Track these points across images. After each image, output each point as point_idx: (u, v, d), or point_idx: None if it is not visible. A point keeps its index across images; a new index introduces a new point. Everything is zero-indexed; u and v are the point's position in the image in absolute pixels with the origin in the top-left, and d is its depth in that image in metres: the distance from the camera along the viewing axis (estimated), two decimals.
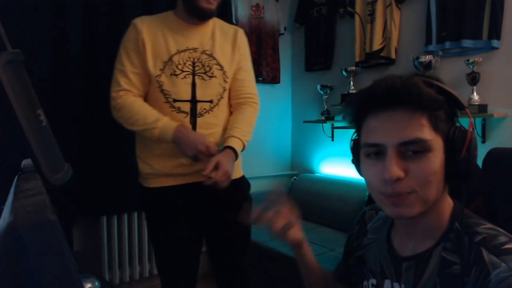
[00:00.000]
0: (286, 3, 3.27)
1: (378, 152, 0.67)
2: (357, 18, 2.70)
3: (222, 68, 1.52)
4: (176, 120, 1.45)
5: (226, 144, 1.49)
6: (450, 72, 2.31)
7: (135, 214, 2.46)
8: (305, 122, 3.07)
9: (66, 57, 2.18)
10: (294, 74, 3.38)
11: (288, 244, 0.87)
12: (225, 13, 2.78)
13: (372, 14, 2.62)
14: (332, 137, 3.02)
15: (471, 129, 0.66)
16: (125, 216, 2.42)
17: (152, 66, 1.46)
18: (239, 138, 1.51)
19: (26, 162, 0.53)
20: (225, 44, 1.56)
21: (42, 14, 2.07)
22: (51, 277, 0.34)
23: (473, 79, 2.10)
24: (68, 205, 2.17)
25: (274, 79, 3.16)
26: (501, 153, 1.10)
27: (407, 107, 0.65)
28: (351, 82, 2.73)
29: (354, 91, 2.73)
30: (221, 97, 1.53)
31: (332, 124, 2.96)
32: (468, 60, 2.11)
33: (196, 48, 1.50)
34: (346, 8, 2.83)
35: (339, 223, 2.62)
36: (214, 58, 1.51)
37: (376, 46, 2.58)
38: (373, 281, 0.79)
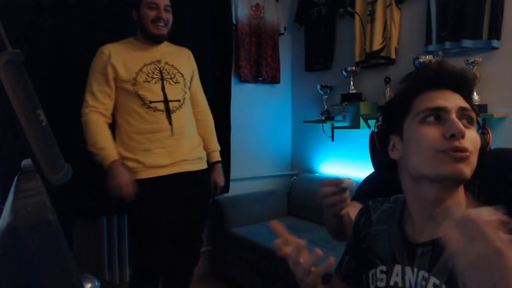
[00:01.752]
0: (286, 3, 3.26)
1: (436, 118, 0.72)
2: (357, 18, 2.70)
3: (183, 76, 1.93)
4: (154, 118, 1.82)
5: (213, 160, 2.08)
6: None
7: None
8: (305, 122, 3.07)
9: (66, 57, 2.18)
10: (294, 74, 3.38)
11: (308, 282, 0.78)
12: (225, 13, 2.78)
13: (372, 14, 2.62)
14: (332, 137, 3.02)
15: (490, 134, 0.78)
16: (125, 216, 2.42)
17: (126, 80, 1.81)
18: (217, 150, 2.12)
19: (26, 162, 0.53)
20: (182, 59, 1.99)
21: (42, 14, 2.07)
22: (51, 277, 0.34)
23: (473, 79, 2.10)
24: (68, 205, 2.16)
25: (274, 79, 3.16)
26: (503, 153, 1.10)
27: (455, 89, 0.74)
28: (351, 82, 2.73)
29: (354, 91, 2.73)
30: (185, 98, 1.94)
31: (332, 124, 2.96)
32: (468, 60, 2.11)
33: (160, 60, 1.89)
34: (346, 8, 2.83)
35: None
36: (176, 68, 1.91)
37: (376, 46, 2.58)
38: (382, 267, 0.80)
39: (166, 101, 1.85)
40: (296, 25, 3.22)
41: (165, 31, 1.86)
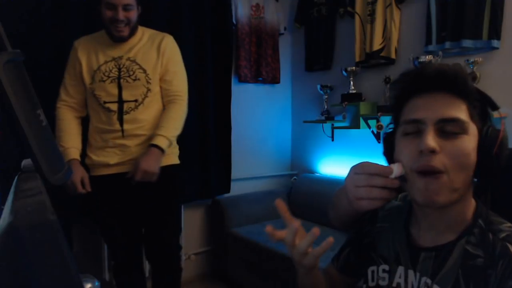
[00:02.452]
0: (286, 3, 3.26)
1: (416, 131, 0.69)
2: (357, 18, 2.70)
3: (145, 71, 1.80)
4: (107, 118, 1.78)
5: (150, 143, 1.78)
6: None
7: None
8: (305, 122, 3.07)
9: (66, 57, 2.18)
10: (294, 74, 3.38)
11: (305, 264, 0.81)
12: (225, 13, 2.78)
13: (372, 14, 2.62)
14: (332, 137, 3.02)
15: (503, 128, 0.68)
16: None
17: (86, 77, 1.78)
18: (163, 135, 1.79)
19: (26, 162, 0.53)
20: (150, 50, 1.83)
21: (42, 14, 2.07)
22: (51, 277, 0.34)
23: (473, 79, 2.10)
24: (68, 205, 2.16)
25: (274, 79, 3.16)
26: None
27: (450, 91, 0.69)
28: (351, 82, 2.73)
29: (354, 91, 2.73)
30: (146, 96, 1.80)
31: (332, 124, 2.96)
32: (468, 60, 2.11)
33: (121, 56, 1.79)
34: (346, 8, 2.83)
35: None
36: (137, 63, 1.79)
37: (376, 46, 2.58)
38: (384, 266, 0.79)
39: (120, 101, 1.78)
40: (296, 25, 3.22)
41: (126, 31, 1.76)
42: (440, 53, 2.27)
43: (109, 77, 1.77)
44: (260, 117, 3.19)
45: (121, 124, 1.78)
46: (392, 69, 2.60)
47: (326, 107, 2.91)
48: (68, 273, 0.35)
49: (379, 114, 2.49)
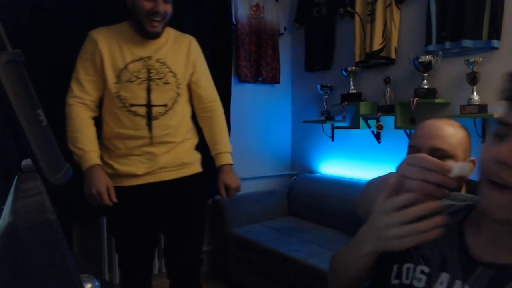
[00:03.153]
0: (286, 3, 3.26)
1: (505, 134, 0.61)
2: (357, 18, 2.70)
3: (175, 75, 1.67)
4: (131, 123, 1.61)
5: (221, 163, 1.76)
6: (450, 72, 2.31)
7: None
8: (305, 122, 3.07)
9: (66, 57, 2.18)
10: (294, 74, 3.38)
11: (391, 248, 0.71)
12: (225, 13, 2.78)
13: (372, 14, 2.62)
14: (332, 137, 3.02)
15: None
16: None
17: (110, 74, 1.59)
18: (227, 152, 1.78)
19: (26, 162, 0.53)
20: (179, 53, 1.71)
21: (42, 14, 2.07)
22: (51, 277, 0.34)
23: (473, 79, 2.10)
24: (68, 205, 2.16)
25: (274, 79, 3.16)
26: None
27: None
28: (351, 82, 2.74)
29: (354, 91, 2.73)
30: (176, 102, 1.67)
31: (332, 124, 2.96)
32: (468, 60, 2.11)
33: (150, 57, 1.63)
34: (346, 8, 2.83)
35: (339, 223, 2.62)
36: (167, 66, 1.65)
37: (376, 46, 2.58)
38: (424, 268, 0.71)
39: (149, 105, 1.62)
40: (296, 25, 3.22)
41: (160, 27, 1.60)
42: (440, 53, 2.27)
43: (138, 78, 1.60)
44: (260, 117, 3.19)
45: (150, 130, 1.62)
46: (392, 69, 2.60)
47: (326, 107, 2.91)
48: (68, 273, 0.35)
49: (379, 114, 2.49)
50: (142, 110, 1.61)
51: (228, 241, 2.72)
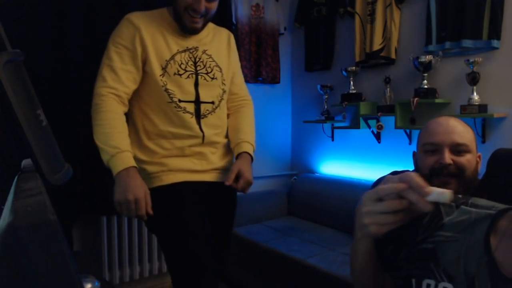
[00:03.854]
0: (286, 3, 3.27)
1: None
2: (357, 18, 2.70)
3: (221, 70, 1.52)
4: (181, 120, 1.42)
5: (242, 150, 1.53)
6: (450, 72, 2.32)
7: None
8: (305, 122, 3.07)
9: (66, 57, 2.18)
10: (294, 74, 3.38)
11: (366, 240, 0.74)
12: (225, 13, 2.78)
13: (372, 14, 2.62)
14: (332, 137, 3.02)
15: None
16: (126, 216, 2.42)
17: (155, 66, 1.40)
18: (249, 143, 1.57)
19: (26, 162, 0.53)
20: (221, 47, 1.56)
21: (42, 14, 2.07)
22: (51, 277, 0.34)
23: (473, 79, 2.10)
24: (68, 205, 2.16)
25: (274, 79, 3.16)
26: (506, 153, 1.09)
27: None
28: (351, 82, 2.74)
29: (354, 91, 2.73)
30: (222, 99, 1.53)
31: (332, 124, 2.96)
32: (468, 60, 2.11)
33: (197, 47, 1.47)
34: (346, 8, 2.83)
35: (339, 223, 2.62)
36: (214, 60, 1.50)
37: (376, 46, 2.58)
38: (447, 285, 0.67)
39: (197, 102, 1.45)
40: (296, 25, 3.22)
41: (200, 23, 1.42)
42: (440, 53, 2.27)
43: (186, 70, 1.43)
44: (260, 117, 3.18)
45: (201, 129, 1.46)
46: (392, 69, 2.60)
47: (326, 107, 2.91)
48: (68, 273, 0.35)
49: (379, 114, 2.49)
50: (191, 107, 1.44)
51: None
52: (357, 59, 2.72)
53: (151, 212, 1.32)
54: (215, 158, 1.52)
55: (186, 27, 1.42)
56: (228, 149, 1.59)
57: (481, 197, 0.75)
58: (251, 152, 1.56)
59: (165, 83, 1.41)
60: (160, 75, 1.41)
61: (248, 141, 1.56)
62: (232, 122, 1.61)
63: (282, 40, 3.23)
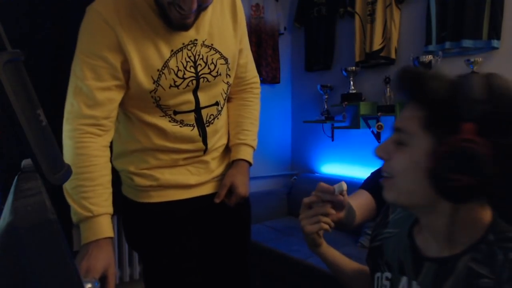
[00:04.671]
0: (286, 3, 3.27)
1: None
2: (357, 18, 2.70)
3: (226, 61, 1.16)
4: (180, 135, 1.14)
5: (239, 157, 1.25)
6: (450, 72, 2.30)
7: None
8: (305, 122, 3.07)
9: (66, 57, 2.18)
10: (294, 74, 3.38)
11: (310, 240, 0.89)
12: None
13: (372, 14, 2.62)
14: (332, 137, 3.02)
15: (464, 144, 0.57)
16: None
17: (144, 80, 1.04)
18: (250, 145, 1.28)
19: (26, 162, 0.53)
20: (224, 22, 1.16)
21: (42, 15, 2.07)
22: (51, 277, 0.34)
23: None
24: (68, 205, 2.16)
25: (274, 79, 3.16)
26: None
27: (414, 99, 0.66)
28: (351, 82, 2.74)
29: (354, 91, 2.73)
30: (226, 95, 1.23)
31: (332, 124, 2.96)
32: (468, 60, 2.11)
33: (195, 40, 1.08)
34: (346, 8, 2.84)
35: (339, 223, 2.62)
36: (217, 51, 1.13)
37: (376, 46, 2.58)
38: (387, 274, 0.76)
39: (198, 109, 1.15)
40: (296, 25, 3.22)
41: (192, 18, 1.02)
42: (440, 53, 2.27)
43: (184, 78, 1.09)
44: (260, 117, 3.18)
45: (204, 140, 1.18)
46: (392, 69, 2.60)
47: (326, 107, 2.91)
48: (68, 273, 0.35)
49: (379, 114, 2.49)
50: (190, 118, 1.15)
51: None
52: (357, 59, 2.72)
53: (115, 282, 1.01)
54: (215, 164, 1.25)
55: (173, 24, 1.02)
56: (227, 150, 1.31)
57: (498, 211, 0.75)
58: (249, 158, 1.28)
59: (157, 99, 1.08)
60: (152, 91, 1.06)
61: (248, 144, 1.29)
62: (233, 114, 1.31)
63: (282, 40, 3.23)
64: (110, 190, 1.07)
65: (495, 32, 2.08)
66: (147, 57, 1.04)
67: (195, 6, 0.96)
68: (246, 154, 1.27)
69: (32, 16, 2.04)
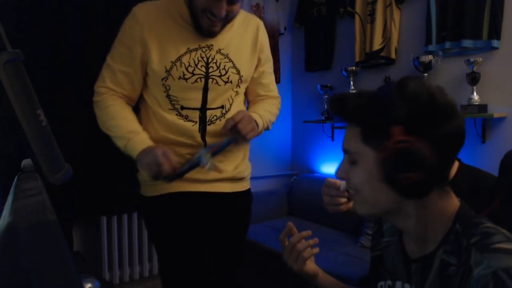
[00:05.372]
0: (286, 3, 3.27)
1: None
2: (357, 18, 2.70)
3: (238, 73, 1.32)
4: (182, 129, 1.28)
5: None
6: (450, 72, 2.31)
7: (135, 214, 2.45)
8: (305, 122, 3.07)
9: (66, 57, 2.18)
10: (294, 74, 3.38)
11: (304, 275, 0.92)
12: None
13: (372, 14, 2.62)
14: (332, 137, 3.02)
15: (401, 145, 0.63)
16: (125, 216, 2.42)
17: (158, 68, 1.24)
18: (258, 114, 1.35)
19: (26, 162, 0.53)
20: (244, 44, 1.34)
21: (42, 14, 2.07)
22: (51, 277, 0.34)
23: (473, 79, 2.10)
24: (68, 205, 2.17)
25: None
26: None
27: (346, 119, 0.72)
28: (351, 82, 2.74)
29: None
30: (233, 101, 1.35)
31: (332, 124, 2.96)
32: (468, 60, 2.11)
33: (211, 45, 1.27)
34: (346, 8, 2.83)
35: (339, 223, 2.62)
36: (230, 60, 1.30)
37: (376, 46, 2.58)
38: (389, 282, 0.79)
39: (203, 109, 1.29)
40: (296, 25, 3.22)
41: (219, 26, 1.23)
42: (440, 53, 2.27)
43: (193, 74, 1.25)
44: None
45: (203, 137, 1.30)
46: (392, 69, 2.60)
47: (326, 107, 2.91)
48: (68, 273, 0.35)
49: None
50: (195, 115, 1.29)
51: None
52: (357, 59, 2.72)
53: (175, 166, 1.19)
54: (224, 167, 1.35)
55: (202, 30, 1.23)
56: (242, 155, 1.43)
57: (494, 199, 0.75)
58: (258, 120, 1.32)
59: (167, 87, 1.26)
60: (163, 79, 1.25)
61: (256, 112, 1.36)
62: (251, 105, 1.45)
63: (282, 40, 3.23)
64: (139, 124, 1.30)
65: (495, 32, 2.08)
66: (165, 50, 1.24)
67: (224, 12, 1.17)
68: (255, 116, 1.33)
69: (32, 16, 2.04)
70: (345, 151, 0.72)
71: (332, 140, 3.02)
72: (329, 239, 2.45)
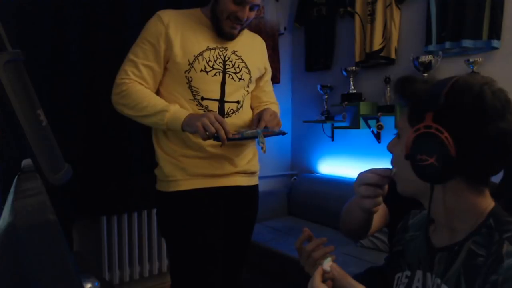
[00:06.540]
0: (286, 3, 3.26)
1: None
2: (357, 18, 2.70)
3: (249, 73, 1.50)
4: None
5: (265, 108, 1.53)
6: (450, 72, 2.31)
7: (135, 214, 2.45)
8: (305, 122, 3.07)
9: (66, 57, 2.18)
10: (294, 74, 3.38)
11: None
12: None
13: (372, 14, 2.62)
14: (332, 137, 3.02)
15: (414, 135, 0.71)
16: (125, 216, 2.42)
17: (181, 61, 1.38)
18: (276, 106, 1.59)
19: (26, 162, 0.53)
20: (254, 51, 1.55)
21: (42, 15, 2.07)
22: (51, 277, 0.34)
23: None
24: (68, 205, 2.16)
25: (274, 79, 3.13)
26: None
27: (402, 99, 0.79)
28: (351, 82, 2.74)
29: (354, 91, 2.73)
30: (244, 100, 1.50)
31: (332, 124, 2.96)
32: (468, 60, 2.11)
33: (226, 47, 1.45)
34: (346, 8, 2.83)
35: (339, 223, 2.61)
36: (243, 61, 1.48)
37: (376, 46, 2.58)
38: (407, 272, 0.82)
39: (222, 101, 1.42)
40: (296, 25, 3.22)
41: (238, 30, 1.44)
42: (440, 53, 2.27)
43: (213, 68, 1.41)
44: None
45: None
46: (392, 69, 2.60)
47: (326, 107, 2.91)
48: (68, 273, 0.35)
49: (379, 114, 2.49)
50: (214, 106, 1.41)
51: None
52: (357, 59, 2.72)
53: (227, 132, 1.27)
54: (239, 161, 1.47)
55: (224, 33, 1.42)
56: (253, 152, 1.56)
57: (497, 199, 0.76)
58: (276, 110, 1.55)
59: (190, 79, 1.39)
60: (186, 71, 1.38)
61: (273, 103, 1.64)
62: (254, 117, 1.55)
63: (282, 40, 3.22)
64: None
65: (495, 32, 2.08)
66: (188, 46, 1.39)
67: (246, 15, 1.41)
68: (272, 107, 1.56)
69: (32, 16, 2.03)
70: (396, 126, 0.82)
71: (332, 140, 3.02)
72: (329, 239, 2.44)
